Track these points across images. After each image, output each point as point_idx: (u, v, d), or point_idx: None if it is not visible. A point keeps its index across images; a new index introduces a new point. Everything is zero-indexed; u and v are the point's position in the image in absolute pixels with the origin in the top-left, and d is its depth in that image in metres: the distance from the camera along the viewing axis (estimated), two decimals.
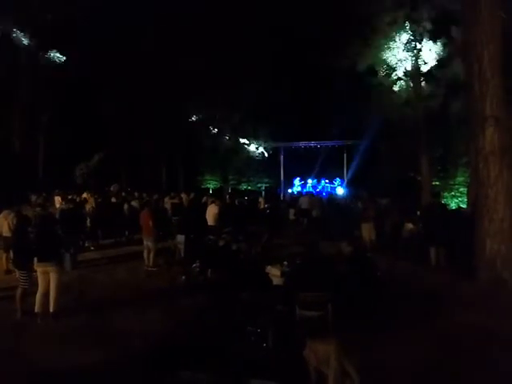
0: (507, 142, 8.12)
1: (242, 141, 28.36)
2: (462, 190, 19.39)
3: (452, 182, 20.12)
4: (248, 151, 28.76)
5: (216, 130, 27.32)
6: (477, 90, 8.13)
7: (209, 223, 11.37)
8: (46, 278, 6.37)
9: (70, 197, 14.06)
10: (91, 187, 19.60)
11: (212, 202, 12.35)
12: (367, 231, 11.16)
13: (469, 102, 8.47)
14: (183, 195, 17.18)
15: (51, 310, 6.30)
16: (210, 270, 8.07)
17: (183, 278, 8.60)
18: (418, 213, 13.02)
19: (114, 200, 15.51)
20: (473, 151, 8.67)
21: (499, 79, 8.05)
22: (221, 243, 6.81)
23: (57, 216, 10.25)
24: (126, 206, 14.05)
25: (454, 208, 17.02)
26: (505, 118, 8.10)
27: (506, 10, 8.14)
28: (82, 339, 5.59)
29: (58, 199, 14.82)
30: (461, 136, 15.78)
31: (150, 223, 9.69)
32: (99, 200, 14.59)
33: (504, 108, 8.10)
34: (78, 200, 13.53)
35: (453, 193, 19.73)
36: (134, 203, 14.31)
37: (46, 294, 6.36)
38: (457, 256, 9.27)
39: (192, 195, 16.39)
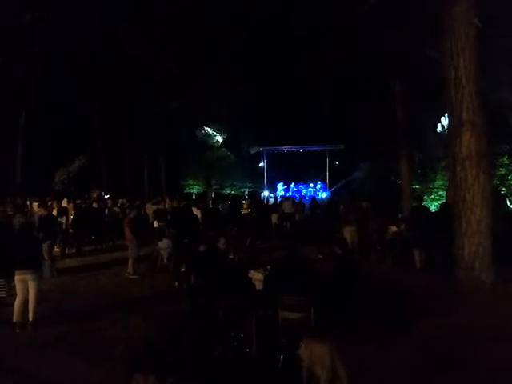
0: (483, 146, 8.33)
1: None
2: (440, 193, 19.77)
3: (431, 186, 20.53)
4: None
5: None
6: (453, 95, 8.34)
7: None
8: (25, 286, 6.23)
9: (49, 203, 13.80)
10: (71, 193, 19.28)
11: (194, 206, 12.31)
12: (349, 234, 11.26)
13: (446, 108, 8.66)
14: (168, 200, 16.93)
15: (30, 319, 6.16)
16: (193, 276, 8.00)
17: (176, 283, 8.40)
18: (400, 215, 13.24)
19: (95, 205, 15.29)
20: (451, 155, 8.87)
21: (475, 85, 8.27)
22: (201, 248, 6.78)
23: (36, 223, 10.06)
24: (106, 212, 13.87)
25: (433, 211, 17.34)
26: (481, 123, 8.32)
27: (480, 18, 8.35)
28: (62, 349, 5.48)
29: (35, 205, 14.53)
30: (439, 140, 16.15)
31: (127, 231, 9.60)
32: (83, 205, 14.34)
33: (480, 113, 8.31)
34: (56, 207, 13.24)
35: (432, 196, 20.13)
36: (116, 208, 14.14)
37: (25, 303, 6.22)
38: (438, 258, 9.42)
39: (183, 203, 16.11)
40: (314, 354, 3.29)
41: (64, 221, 12.26)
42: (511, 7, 10.88)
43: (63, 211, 12.81)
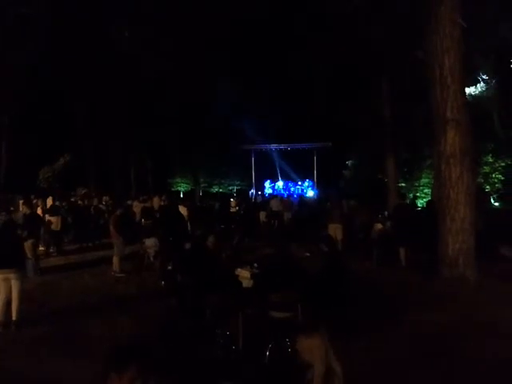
0: (467, 144, 8.46)
1: None
2: (426, 191, 20.05)
3: (417, 184, 20.79)
4: None
5: None
6: (438, 94, 8.44)
7: None
8: (7, 285, 6.13)
9: (34, 201, 13.61)
10: (56, 191, 19.01)
11: (181, 204, 12.26)
12: (334, 232, 11.32)
13: (431, 106, 8.77)
14: (155, 199, 16.82)
15: (13, 318, 6.07)
16: (179, 274, 7.96)
17: (162, 282, 8.33)
18: (386, 213, 13.38)
19: (80, 203, 15.14)
20: (435, 154, 8.98)
21: (459, 84, 8.39)
22: (187, 246, 6.75)
23: (20, 221, 9.93)
24: (92, 210, 13.74)
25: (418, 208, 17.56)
26: (465, 121, 8.44)
27: (465, 18, 8.47)
28: (47, 348, 5.40)
29: (21, 203, 14.33)
30: (425, 139, 16.36)
31: (111, 229, 9.51)
32: (63, 204, 14.15)
33: (464, 112, 8.44)
34: (41, 205, 13.05)
35: (418, 194, 20.40)
36: (102, 206, 14.02)
37: (8, 302, 6.13)
38: (423, 255, 9.54)
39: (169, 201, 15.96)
40: (309, 347, 3.24)
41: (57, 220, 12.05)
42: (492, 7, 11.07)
43: (55, 210, 12.56)
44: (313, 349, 3.11)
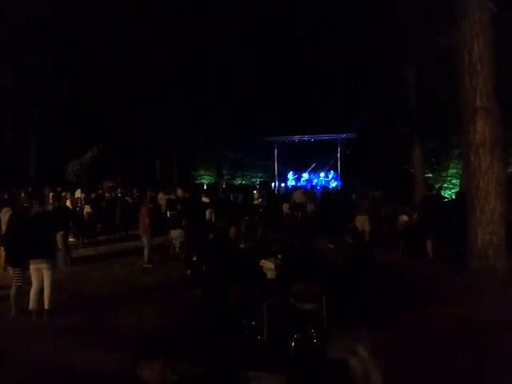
0: (497, 133, 8.19)
1: None
2: (454, 181, 19.54)
3: (445, 174, 20.29)
4: None
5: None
6: (467, 82, 8.17)
7: None
8: (40, 275, 6.35)
9: (63, 194, 14.02)
10: (84, 184, 19.51)
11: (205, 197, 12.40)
12: (361, 224, 11.22)
13: (460, 94, 8.51)
14: (179, 191, 17.08)
15: (46, 307, 6.29)
16: (204, 264, 8.07)
17: (188, 271, 8.50)
18: (412, 204, 13.14)
19: (107, 195, 15.51)
20: (464, 143, 8.73)
21: (489, 71, 8.09)
22: (211, 237, 6.83)
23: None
24: (119, 202, 14.06)
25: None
26: (495, 109, 8.16)
27: (495, 2, 8.15)
28: (78, 336, 5.57)
29: (50, 196, 14.78)
30: (453, 128, 15.89)
31: (147, 220, 9.69)
32: (92, 195, 14.55)
33: (494, 100, 8.15)
34: (70, 197, 13.46)
35: (445, 184, 19.90)
36: (128, 198, 14.31)
37: (40, 292, 6.35)
38: (451, 247, 9.33)
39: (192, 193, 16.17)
40: (338, 343, 3.19)
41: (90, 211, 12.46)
42: None
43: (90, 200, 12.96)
44: (345, 343, 3.09)
